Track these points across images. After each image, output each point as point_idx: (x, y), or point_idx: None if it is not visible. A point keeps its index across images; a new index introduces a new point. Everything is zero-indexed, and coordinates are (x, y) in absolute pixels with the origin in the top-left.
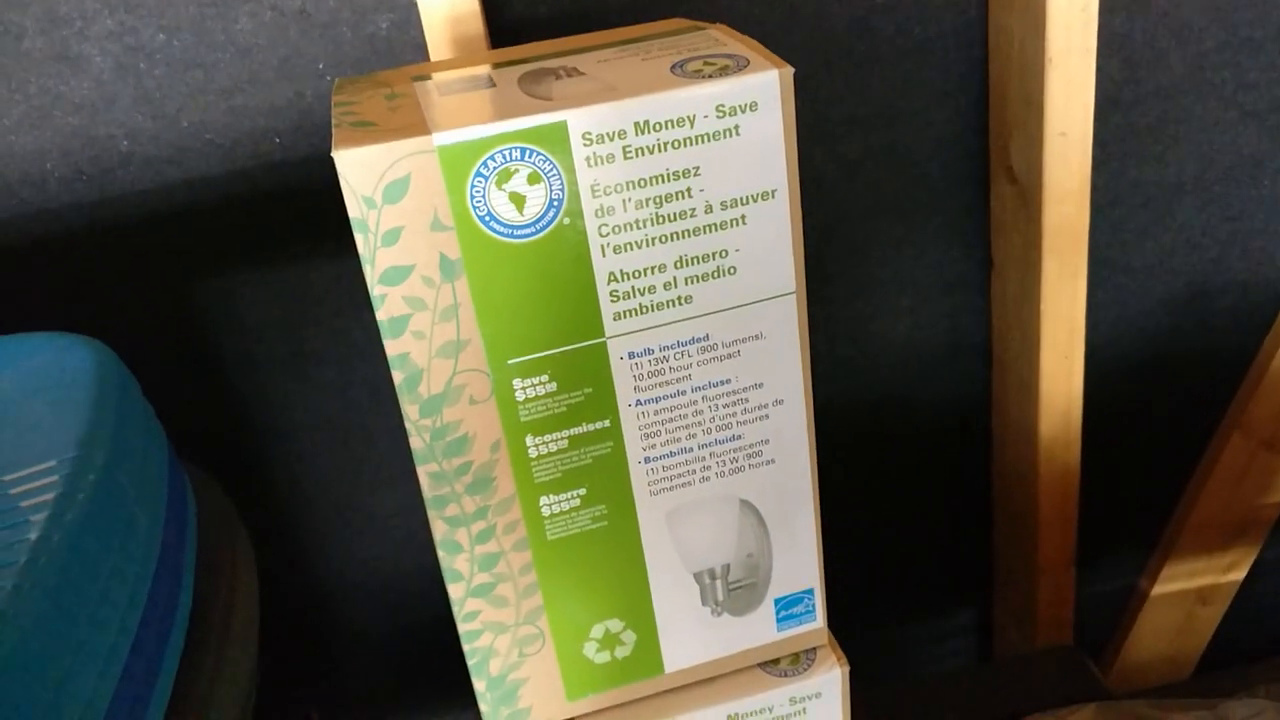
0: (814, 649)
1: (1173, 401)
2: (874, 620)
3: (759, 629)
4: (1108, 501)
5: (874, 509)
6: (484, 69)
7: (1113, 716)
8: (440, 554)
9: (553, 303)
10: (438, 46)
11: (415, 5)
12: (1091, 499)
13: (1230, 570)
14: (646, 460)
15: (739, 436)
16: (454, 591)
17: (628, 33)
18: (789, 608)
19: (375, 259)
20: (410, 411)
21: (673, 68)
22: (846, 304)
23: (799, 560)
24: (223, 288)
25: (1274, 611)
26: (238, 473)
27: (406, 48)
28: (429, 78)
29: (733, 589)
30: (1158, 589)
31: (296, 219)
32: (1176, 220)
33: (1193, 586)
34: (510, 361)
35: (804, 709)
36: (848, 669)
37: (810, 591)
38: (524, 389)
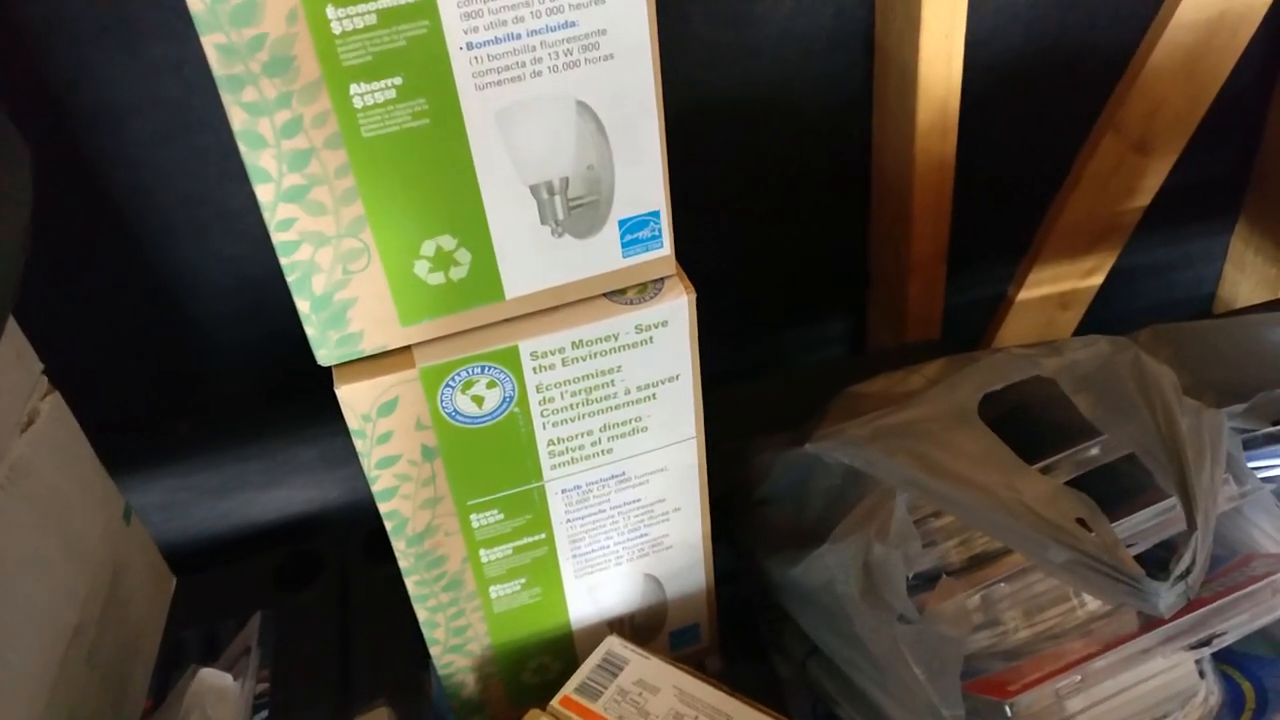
0: (662, 279)
1: (1049, 101)
2: (752, 325)
3: (604, 254)
4: (982, 205)
5: (753, 207)
6: None
7: (959, 361)
8: (242, 149)
9: None
10: None
11: None
12: (966, 201)
13: (1090, 275)
14: (470, 46)
15: (573, 24)
16: (263, 194)
17: None
18: (634, 231)
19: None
20: None
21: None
22: None
23: (643, 177)
24: None
25: (1123, 318)
26: (64, 160)
27: None
28: None
29: (573, 206)
30: (1023, 294)
31: None
32: None
33: (1056, 291)
34: None
35: (650, 338)
36: (694, 296)
37: (656, 214)
38: None
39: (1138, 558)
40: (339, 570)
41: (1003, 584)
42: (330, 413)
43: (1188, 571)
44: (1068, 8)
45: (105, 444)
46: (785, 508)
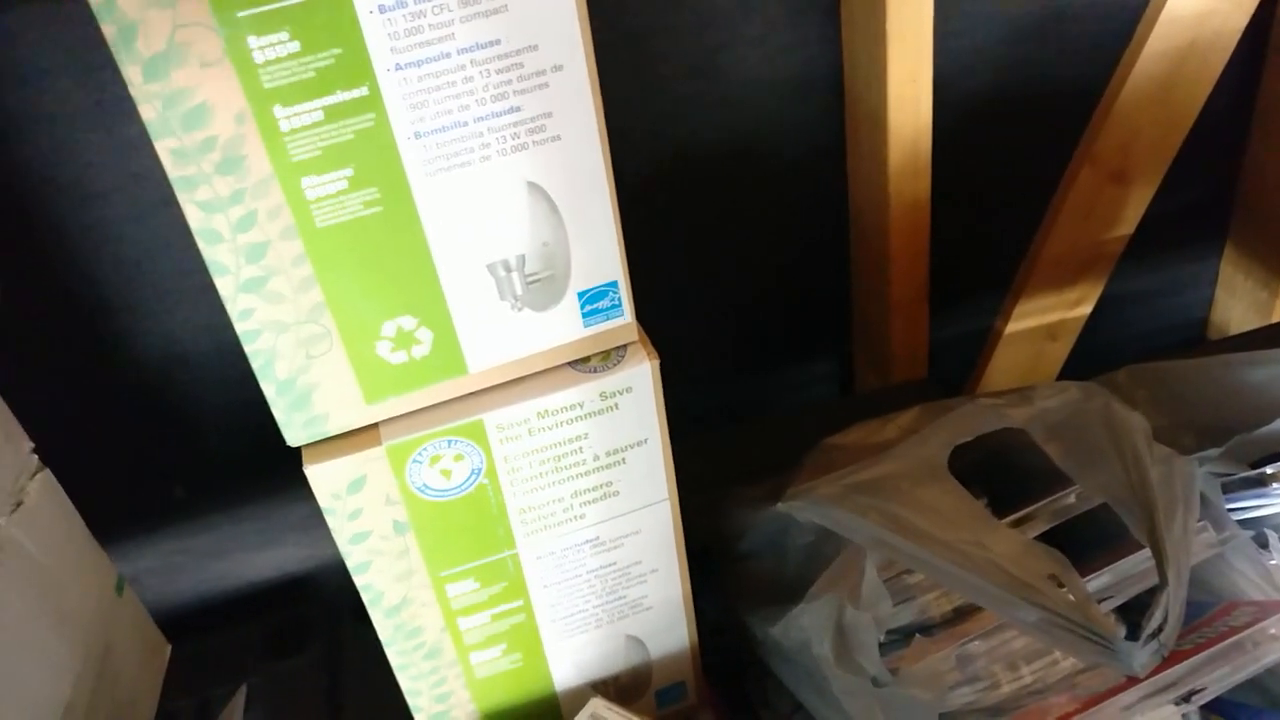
0: (624, 345)
1: (1023, 136)
2: (739, 369)
3: (565, 325)
4: (961, 242)
5: (733, 254)
6: None
7: (932, 410)
8: (200, 245)
9: None
10: None
11: None
12: (946, 238)
13: (1078, 305)
14: (417, 136)
15: (517, 108)
16: (222, 286)
17: None
18: (593, 302)
19: None
20: (132, 75)
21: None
22: (693, 36)
23: (599, 250)
24: None
25: (1114, 347)
26: (52, 243)
27: None
28: None
29: (531, 282)
30: (1010, 327)
31: None
32: None
33: (1043, 323)
34: (240, 14)
35: (616, 404)
36: (658, 362)
37: (614, 284)
38: (262, 49)
39: (1119, 610)
40: (329, 634)
41: (978, 641)
42: None
43: (1160, 629)
44: (1037, 44)
45: (98, 511)
46: (765, 563)
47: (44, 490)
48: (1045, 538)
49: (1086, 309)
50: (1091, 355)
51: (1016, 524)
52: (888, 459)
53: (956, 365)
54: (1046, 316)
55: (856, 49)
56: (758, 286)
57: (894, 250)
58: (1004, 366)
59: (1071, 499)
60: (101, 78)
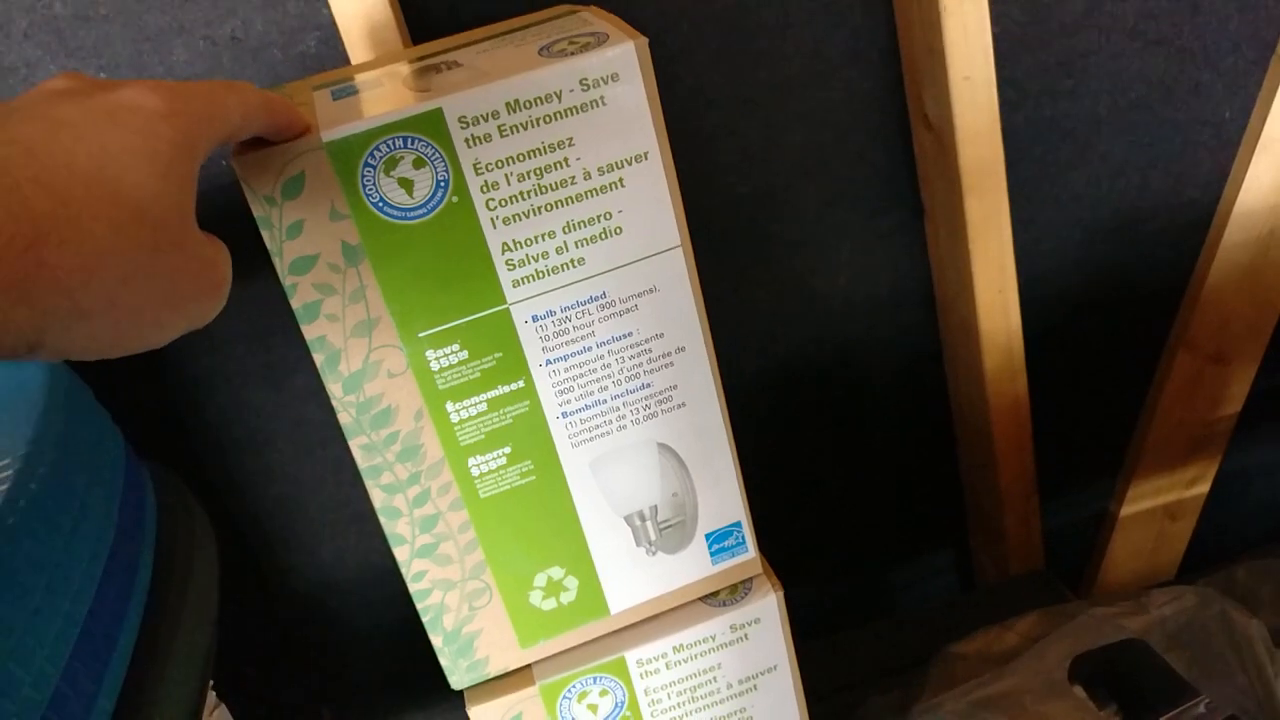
0: (750, 578)
1: (1115, 327)
2: (859, 567)
3: (695, 564)
4: (1065, 432)
5: (844, 459)
6: (374, 73)
7: (1052, 618)
8: (382, 521)
9: (453, 277)
10: (359, 58)
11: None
12: (1048, 430)
13: (1194, 484)
14: (564, 415)
15: (648, 385)
16: (399, 554)
17: (507, 24)
18: (720, 541)
19: (282, 251)
20: (334, 390)
21: (540, 50)
22: (787, 261)
23: (723, 495)
24: None
25: (1241, 521)
26: (225, 486)
27: (335, 63)
28: (325, 86)
29: (663, 528)
30: (1126, 510)
31: (254, 236)
32: (1097, 151)
33: (1160, 504)
34: (420, 334)
35: (745, 635)
36: (782, 593)
37: (738, 524)
38: (437, 359)
39: None
40: None
41: None
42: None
43: None
44: (1115, 243)
45: None
46: None
47: None
48: None
49: (1204, 487)
50: (1217, 532)
51: None
52: (1009, 673)
53: (1076, 550)
54: (1162, 497)
55: (943, 264)
56: (869, 488)
57: (999, 449)
58: (1125, 549)
59: (1201, 709)
60: (270, 342)
